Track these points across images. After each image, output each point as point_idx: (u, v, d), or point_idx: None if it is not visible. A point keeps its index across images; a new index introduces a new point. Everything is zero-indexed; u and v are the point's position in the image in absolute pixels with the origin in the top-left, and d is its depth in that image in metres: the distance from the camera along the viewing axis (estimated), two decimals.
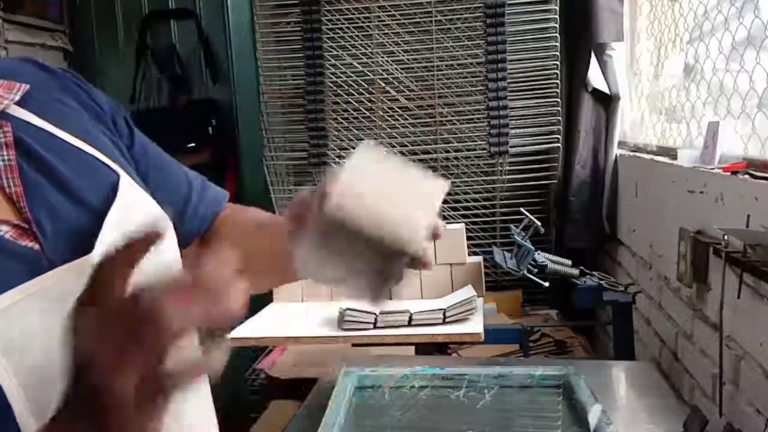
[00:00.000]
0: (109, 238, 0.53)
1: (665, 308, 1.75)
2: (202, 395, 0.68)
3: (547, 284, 1.91)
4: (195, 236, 0.77)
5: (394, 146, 2.80)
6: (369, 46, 2.76)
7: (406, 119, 2.78)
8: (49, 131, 0.59)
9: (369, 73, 2.77)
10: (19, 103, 0.57)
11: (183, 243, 0.69)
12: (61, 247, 0.53)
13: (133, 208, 0.59)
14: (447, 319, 1.90)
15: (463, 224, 2.31)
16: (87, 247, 0.53)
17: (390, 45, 2.75)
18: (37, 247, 0.52)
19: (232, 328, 0.44)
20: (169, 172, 0.75)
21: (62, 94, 0.64)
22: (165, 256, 0.61)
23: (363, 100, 2.78)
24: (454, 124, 2.76)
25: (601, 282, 1.90)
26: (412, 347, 1.96)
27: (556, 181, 2.68)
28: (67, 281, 0.50)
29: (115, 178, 0.60)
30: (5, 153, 0.54)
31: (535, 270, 1.95)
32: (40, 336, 0.49)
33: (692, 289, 1.51)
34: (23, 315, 0.49)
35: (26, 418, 0.47)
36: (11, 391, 0.47)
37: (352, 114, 2.80)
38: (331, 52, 2.78)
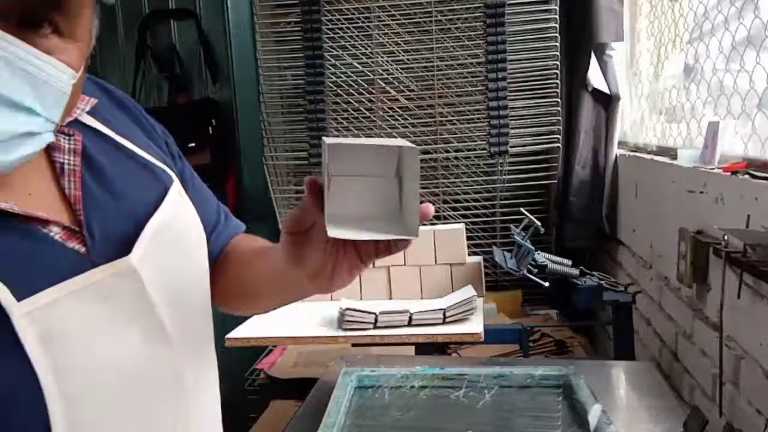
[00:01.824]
0: (146, 241, 0.58)
1: (665, 308, 1.75)
2: (212, 396, 0.72)
3: (547, 284, 1.91)
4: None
5: None
6: (369, 46, 2.76)
7: (406, 119, 2.78)
8: (114, 139, 0.64)
9: (369, 73, 2.77)
10: (89, 113, 0.62)
11: None
12: (104, 251, 0.56)
13: (176, 215, 0.65)
14: (447, 319, 1.90)
15: (463, 224, 2.31)
16: (126, 251, 0.57)
17: (390, 45, 2.75)
18: (83, 249, 0.55)
19: None
20: (206, 199, 0.81)
21: (121, 112, 0.70)
22: (199, 266, 0.69)
23: (363, 100, 2.78)
24: (454, 124, 2.76)
25: (601, 282, 1.90)
26: (412, 347, 1.96)
27: (556, 181, 2.68)
28: (107, 281, 0.54)
29: (168, 184, 0.65)
30: (72, 158, 0.59)
31: (535, 270, 1.94)
32: (79, 332, 0.52)
33: (692, 289, 1.51)
34: (64, 311, 0.52)
35: (57, 408, 0.50)
36: (46, 384, 0.49)
37: (352, 114, 2.80)
38: (331, 52, 2.78)
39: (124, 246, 0.58)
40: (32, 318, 0.49)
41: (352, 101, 2.79)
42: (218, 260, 0.82)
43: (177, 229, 0.65)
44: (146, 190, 0.64)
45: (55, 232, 0.55)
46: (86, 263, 0.55)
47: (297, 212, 0.59)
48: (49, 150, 0.58)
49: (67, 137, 0.59)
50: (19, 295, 0.49)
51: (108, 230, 0.58)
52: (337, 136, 2.82)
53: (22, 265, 0.51)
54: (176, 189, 0.67)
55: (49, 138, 0.52)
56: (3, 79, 0.45)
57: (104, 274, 0.55)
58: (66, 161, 0.59)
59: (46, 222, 0.54)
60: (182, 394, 0.63)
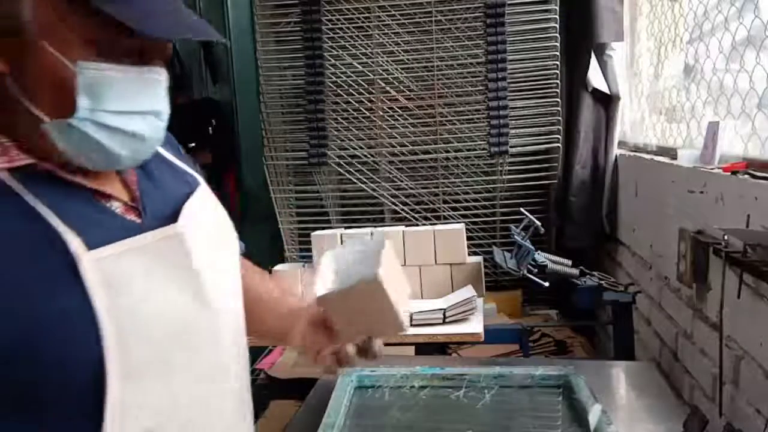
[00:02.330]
0: (187, 217, 0.71)
1: (665, 308, 1.75)
2: (240, 389, 0.81)
3: (547, 284, 1.91)
4: None
5: (394, 146, 2.80)
6: (369, 46, 2.76)
7: (406, 119, 2.78)
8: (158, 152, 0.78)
9: (369, 73, 2.77)
10: None
11: None
12: (153, 224, 0.68)
13: (205, 201, 0.78)
14: (447, 319, 1.90)
15: (463, 224, 2.31)
16: (171, 221, 0.70)
17: (390, 45, 2.75)
18: (138, 221, 0.68)
19: None
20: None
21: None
22: (231, 260, 0.79)
23: (363, 100, 2.78)
24: (454, 124, 2.76)
25: (601, 282, 1.90)
26: (412, 347, 1.96)
27: (556, 181, 2.68)
28: (159, 243, 0.66)
29: (195, 185, 0.78)
30: None
31: (535, 270, 1.94)
32: (133, 282, 0.62)
33: (692, 289, 1.51)
34: (123, 263, 0.62)
35: (111, 344, 0.59)
36: (103, 323, 0.58)
37: (352, 114, 2.80)
38: (331, 52, 2.78)
39: (166, 219, 0.70)
40: (96, 266, 0.60)
41: (352, 101, 2.79)
42: None
43: (210, 213, 0.78)
44: (179, 184, 0.77)
45: (116, 206, 0.68)
46: (139, 230, 0.67)
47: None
48: None
49: None
50: (90, 245, 0.60)
51: (154, 210, 0.70)
52: (337, 136, 2.82)
53: (91, 226, 0.62)
54: (204, 187, 0.80)
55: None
56: (165, 101, 0.65)
57: (155, 237, 0.66)
58: None
59: (109, 197, 0.67)
60: (221, 352, 0.73)
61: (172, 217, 0.70)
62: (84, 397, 0.59)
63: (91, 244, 0.60)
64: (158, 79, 0.64)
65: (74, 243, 0.59)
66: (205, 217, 0.76)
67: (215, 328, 0.71)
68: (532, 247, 1.98)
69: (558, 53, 2.63)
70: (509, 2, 2.64)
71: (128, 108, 0.61)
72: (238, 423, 0.78)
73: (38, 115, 0.59)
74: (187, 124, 3.11)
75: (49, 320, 0.56)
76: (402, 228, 2.27)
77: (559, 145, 2.66)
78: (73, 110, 0.58)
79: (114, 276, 0.60)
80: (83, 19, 0.57)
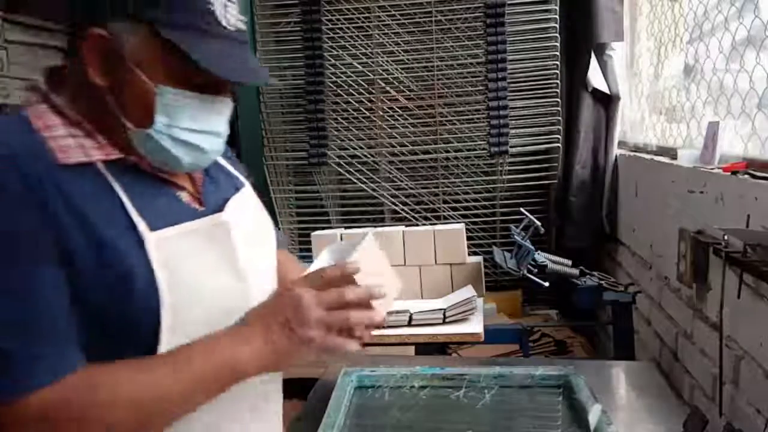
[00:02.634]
0: (232, 208, 0.85)
1: (665, 308, 1.75)
2: (272, 412, 0.97)
3: (547, 284, 1.91)
4: None
5: (394, 146, 2.80)
6: (369, 46, 2.76)
7: (406, 119, 2.78)
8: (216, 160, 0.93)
9: (369, 73, 2.77)
10: None
11: None
12: (210, 211, 0.83)
13: (248, 200, 0.91)
14: (447, 319, 1.90)
15: (463, 224, 2.31)
16: (221, 209, 0.84)
17: (390, 45, 2.75)
18: (201, 209, 0.82)
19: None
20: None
21: None
22: (267, 252, 0.92)
23: (363, 100, 2.79)
24: (454, 124, 2.76)
25: (601, 282, 1.90)
26: (412, 347, 1.96)
27: (556, 181, 2.68)
28: (209, 228, 0.80)
29: (242, 186, 0.93)
30: None
31: (535, 270, 1.95)
32: (189, 259, 0.76)
33: (692, 289, 1.51)
34: (180, 244, 0.76)
35: (166, 313, 0.72)
36: (162, 292, 0.72)
37: (352, 114, 2.80)
38: (331, 52, 2.78)
39: (219, 208, 0.84)
40: (158, 245, 0.73)
41: (352, 101, 2.79)
42: None
43: (251, 211, 0.91)
44: (229, 185, 0.90)
45: (183, 196, 0.82)
46: (201, 215, 0.81)
47: None
48: None
49: None
50: (154, 228, 0.74)
51: (210, 202, 0.84)
52: (337, 136, 2.82)
53: (159, 211, 0.76)
54: (248, 189, 0.94)
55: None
56: (220, 122, 0.79)
57: (206, 223, 0.80)
58: None
59: (180, 188, 0.82)
60: None
61: (222, 208, 0.84)
62: (142, 346, 0.72)
63: (156, 226, 0.74)
64: (224, 106, 0.79)
65: (141, 225, 0.73)
66: (247, 212, 0.89)
67: (250, 302, 0.81)
68: (532, 247, 1.98)
69: (558, 53, 2.63)
70: (509, 2, 2.64)
71: (196, 127, 0.76)
72: (266, 399, 0.94)
73: (127, 124, 0.74)
74: None
75: (129, 276, 0.70)
76: (402, 228, 2.27)
77: (559, 145, 2.66)
78: (152, 123, 0.74)
79: (172, 254, 0.74)
80: (172, 58, 0.71)
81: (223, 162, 0.94)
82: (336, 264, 0.81)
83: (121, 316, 0.71)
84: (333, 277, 0.78)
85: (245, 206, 0.90)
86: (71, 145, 0.73)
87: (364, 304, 0.78)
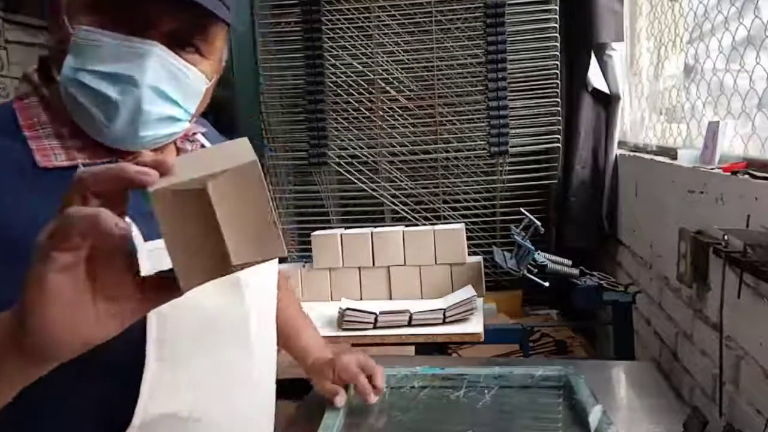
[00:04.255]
0: None
1: (665, 308, 1.75)
2: (261, 389, 0.83)
3: (547, 284, 1.91)
4: None
5: (394, 146, 2.80)
6: (369, 46, 2.76)
7: (406, 119, 2.78)
8: None
9: (369, 73, 2.77)
10: (202, 134, 0.83)
11: None
12: None
13: None
14: (447, 319, 1.90)
15: (463, 224, 2.31)
16: None
17: (390, 45, 2.75)
18: None
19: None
20: None
21: (216, 138, 0.88)
22: (267, 268, 0.80)
23: (363, 100, 2.79)
24: (454, 124, 2.76)
25: (601, 282, 1.90)
26: (412, 347, 1.96)
27: (556, 181, 2.68)
28: None
29: None
30: None
31: (535, 270, 1.94)
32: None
33: (692, 289, 1.51)
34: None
35: (153, 321, 0.65)
36: (149, 313, 0.62)
37: (352, 114, 2.80)
38: (331, 52, 2.78)
39: None
40: (149, 256, 0.62)
41: (352, 101, 2.79)
42: None
43: None
44: None
45: None
46: None
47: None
48: (179, 151, 0.78)
49: (191, 143, 0.80)
50: (147, 237, 0.65)
51: None
52: (337, 136, 2.82)
53: (151, 223, 0.61)
54: None
55: (185, 125, 0.72)
56: (160, 76, 0.65)
57: None
58: None
59: None
60: (249, 349, 0.77)
61: None
62: (125, 372, 0.65)
63: (150, 236, 0.64)
64: (150, 50, 0.64)
65: (135, 234, 0.63)
66: None
67: (245, 325, 0.75)
68: (532, 247, 1.98)
69: (558, 53, 2.63)
70: (509, 2, 2.64)
71: (104, 68, 0.63)
72: (258, 420, 0.82)
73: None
74: None
75: None
76: (402, 228, 2.27)
77: (559, 145, 2.66)
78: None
79: (163, 264, 0.60)
80: None
81: None
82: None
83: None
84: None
85: None
86: (55, 145, 0.67)
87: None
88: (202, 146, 0.82)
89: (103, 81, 0.64)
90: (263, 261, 0.53)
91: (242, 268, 0.52)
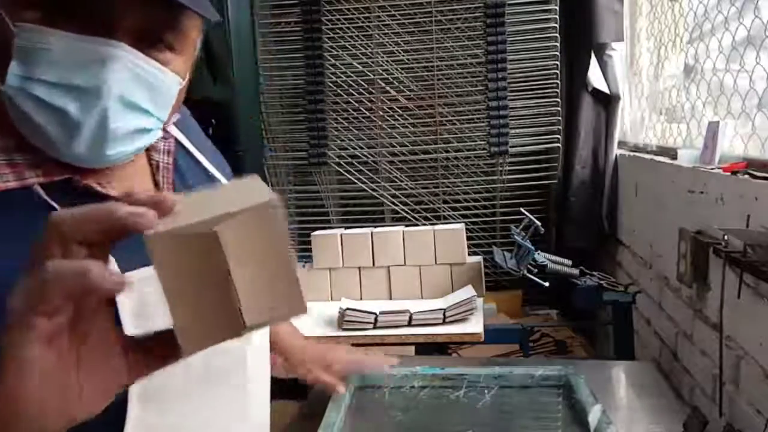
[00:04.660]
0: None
1: (665, 308, 1.75)
2: (255, 424, 0.74)
3: (547, 284, 1.91)
4: None
5: (394, 146, 2.80)
6: (369, 46, 2.76)
7: (406, 119, 2.78)
8: (188, 149, 0.74)
9: (369, 73, 2.77)
10: (174, 124, 0.72)
11: None
12: None
13: None
14: (447, 319, 1.90)
15: (463, 224, 2.31)
16: None
17: (390, 45, 2.75)
18: None
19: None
20: None
21: (190, 125, 0.79)
22: None
23: (363, 100, 2.79)
24: (454, 124, 2.76)
25: (601, 282, 1.90)
26: (412, 347, 1.96)
27: (556, 181, 2.68)
28: None
29: None
30: (167, 158, 0.68)
31: (535, 270, 1.95)
32: (158, 309, 0.53)
33: (692, 289, 1.51)
34: (151, 289, 0.53)
35: (137, 387, 0.55)
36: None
37: (352, 114, 2.80)
38: (331, 52, 2.78)
39: None
40: (128, 291, 0.51)
41: (352, 101, 2.79)
42: None
43: None
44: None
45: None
46: None
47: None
48: (149, 150, 0.67)
49: (163, 140, 0.69)
50: (123, 268, 0.54)
51: None
52: (337, 136, 2.82)
53: (125, 245, 0.52)
54: None
55: (158, 134, 0.62)
56: (127, 84, 0.54)
57: None
58: (161, 160, 0.68)
59: None
60: (241, 384, 0.69)
61: None
62: (107, 414, 0.53)
63: (125, 267, 0.54)
64: (114, 52, 0.52)
65: (112, 265, 0.53)
66: None
67: (242, 360, 0.67)
68: (532, 247, 1.98)
69: (558, 53, 2.63)
70: (509, 2, 2.64)
71: (56, 78, 0.52)
72: None
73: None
74: None
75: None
76: (402, 228, 2.27)
77: (559, 145, 2.66)
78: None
79: (140, 302, 0.56)
80: None
81: (206, 164, 0.75)
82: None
83: None
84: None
85: None
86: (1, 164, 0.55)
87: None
88: (176, 141, 0.73)
89: (58, 93, 0.52)
90: (281, 321, 0.45)
91: (255, 330, 0.43)
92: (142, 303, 0.56)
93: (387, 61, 2.76)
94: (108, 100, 0.53)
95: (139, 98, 0.56)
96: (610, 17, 2.35)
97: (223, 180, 0.76)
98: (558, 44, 2.62)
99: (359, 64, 2.76)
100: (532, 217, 2.07)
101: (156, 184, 0.65)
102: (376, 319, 1.89)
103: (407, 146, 2.79)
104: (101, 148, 0.56)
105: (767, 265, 1.09)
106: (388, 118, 2.78)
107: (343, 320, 1.90)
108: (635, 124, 2.46)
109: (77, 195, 0.56)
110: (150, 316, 0.56)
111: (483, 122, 2.72)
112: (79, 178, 0.57)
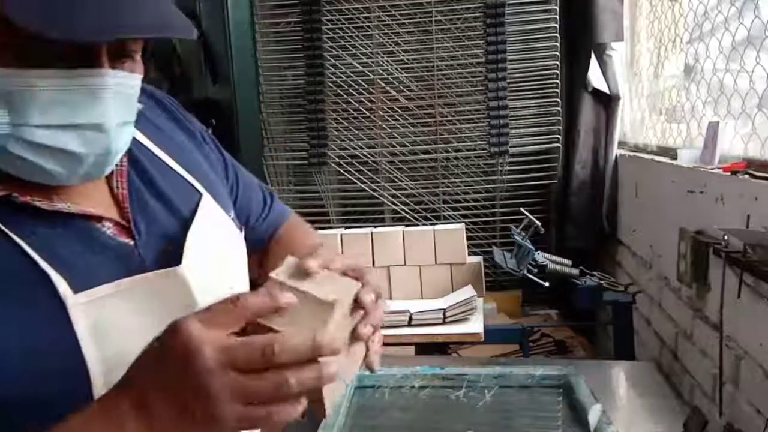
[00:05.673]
0: (192, 251, 0.63)
1: (665, 308, 1.75)
2: None
3: (547, 284, 1.91)
4: (256, 249, 0.85)
5: (394, 146, 2.80)
6: (369, 46, 2.76)
7: (406, 119, 2.78)
8: (150, 148, 0.69)
9: (369, 73, 2.77)
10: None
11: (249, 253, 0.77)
12: (151, 245, 0.62)
13: (211, 226, 0.69)
14: (447, 319, 1.90)
15: (463, 224, 2.31)
16: (174, 252, 0.62)
17: (390, 45, 2.75)
18: (131, 243, 0.61)
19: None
20: (251, 189, 0.87)
21: (162, 116, 0.75)
22: (240, 277, 0.72)
23: (363, 100, 2.79)
24: (454, 124, 2.76)
25: (601, 282, 1.90)
26: (412, 347, 1.96)
27: (556, 181, 2.68)
28: (156, 284, 0.60)
29: (198, 197, 0.69)
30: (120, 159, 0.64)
31: (535, 270, 1.95)
32: (127, 327, 0.56)
33: (692, 289, 1.51)
34: (115, 307, 0.56)
35: (100, 389, 0.54)
36: (95, 375, 0.54)
37: (352, 114, 2.80)
38: (331, 52, 2.78)
39: (167, 241, 0.63)
40: (86, 310, 0.54)
41: (352, 101, 2.79)
42: (268, 245, 0.88)
43: (217, 240, 0.70)
44: (184, 194, 0.69)
45: (107, 227, 0.60)
46: (134, 254, 0.60)
47: None
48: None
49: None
50: (76, 287, 0.54)
51: (153, 226, 0.63)
52: (337, 136, 2.81)
53: (79, 260, 0.56)
54: (207, 200, 0.71)
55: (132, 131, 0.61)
56: (121, 108, 0.55)
57: (157, 277, 0.60)
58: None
59: (99, 219, 0.60)
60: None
61: (171, 236, 0.63)
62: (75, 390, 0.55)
63: (79, 285, 0.54)
64: (101, 85, 0.52)
65: (62, 286, 0.53)
66: (209, 246, 0.67)
67: None
68: (532, 247, 1.98)
69: (558, 53, 2.63)
70: (509, 2, 2.64)
71: (53, 122, 0.51)
72: None
73: None
74: None
75: (43, 356, 0.52)
76: (402, 228, 2.27)
77: (559, 145, 2.66)
78: None
79: (104, 321, 0.55)
80: None
81: (170, 162, 0.70)
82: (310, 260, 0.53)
83: (31, 409, 0.51)
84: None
85: (206, 237, 0.66)
86: None
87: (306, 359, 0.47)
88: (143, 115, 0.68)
89: (58, 134, 0.52)
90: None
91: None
92: (100, 322, 0.55)
93: (387, 61, 2.76)
94: (110, 132, 0.54)
95: (128, 115, 0.57)
96: (610, 17, 2.35)
97: (179, 169, 0.71)
98: (558, 44, 2.62)
99: (359, 64, 2.76)
100: (532, 217, 2.08)
101: (110, 188, 0.63)
102: None
103: (407, 146, 2.79)
104: (101, 169, 0.58)
105: (767, 265, 1.09)
106: (388, 118, 2.78)
107: None
108: (635, 124, 2.46)
109: (20, 211, 0.55)
110: (106, 335, 0.55)
111: (483, 122, 2.72)
112: (17, 195, 0.55)
